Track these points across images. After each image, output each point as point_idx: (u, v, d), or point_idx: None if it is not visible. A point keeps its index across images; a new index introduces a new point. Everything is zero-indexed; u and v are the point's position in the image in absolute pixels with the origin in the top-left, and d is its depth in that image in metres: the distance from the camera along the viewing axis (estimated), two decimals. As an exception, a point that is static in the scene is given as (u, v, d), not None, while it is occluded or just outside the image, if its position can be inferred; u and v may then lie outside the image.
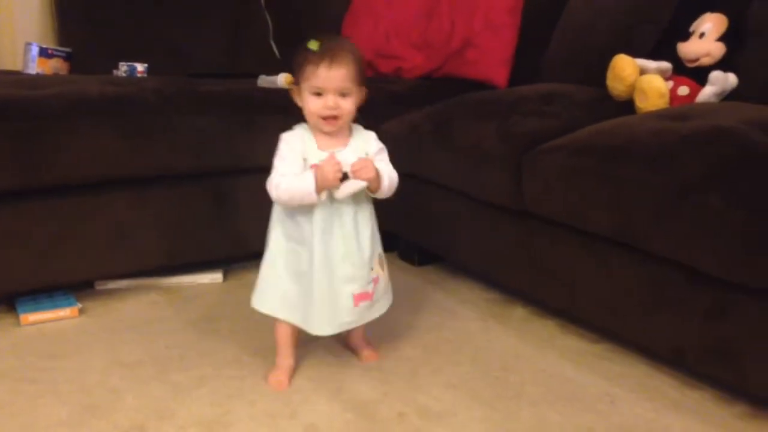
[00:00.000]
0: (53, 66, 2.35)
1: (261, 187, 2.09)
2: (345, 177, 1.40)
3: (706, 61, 1.90)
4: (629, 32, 2.12)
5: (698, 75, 1.90)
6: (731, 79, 1.85)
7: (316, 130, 1.46)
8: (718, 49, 1.89)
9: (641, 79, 1.88)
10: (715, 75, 1.84)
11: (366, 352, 1.64)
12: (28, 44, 2.33)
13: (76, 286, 1.98)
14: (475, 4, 2.62)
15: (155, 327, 1.82)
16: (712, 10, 1.92)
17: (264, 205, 2.09)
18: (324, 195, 1.41)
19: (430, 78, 2.68)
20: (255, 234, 2.11)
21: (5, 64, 2.43)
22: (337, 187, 1.40)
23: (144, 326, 1.82)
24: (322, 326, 1.49)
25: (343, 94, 1.41)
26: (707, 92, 1.85)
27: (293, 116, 2.07)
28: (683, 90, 1.90)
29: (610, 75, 1.96)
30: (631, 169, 1.47)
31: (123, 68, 2.27)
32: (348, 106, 1.42)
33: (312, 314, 1.47)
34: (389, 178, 1.47)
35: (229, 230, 2.09)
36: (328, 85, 1.39)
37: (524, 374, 1.60)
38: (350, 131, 1.50)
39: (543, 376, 1.60)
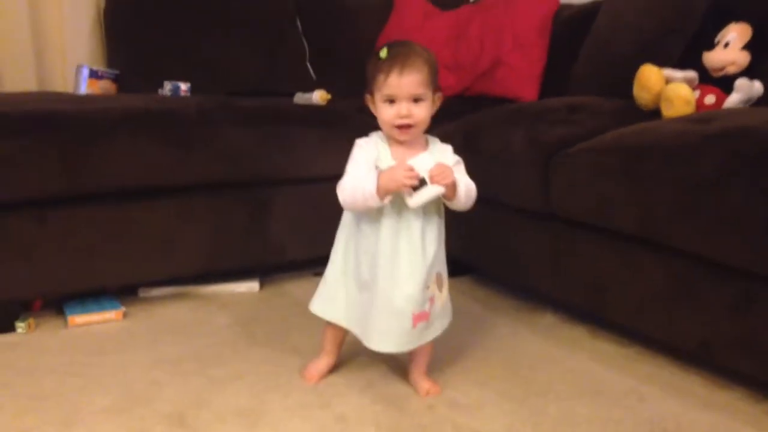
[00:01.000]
0: (102, 87, 2.48)
1: (298, 198, 2.19)
2: (422, 184, 1.33)
3: (731, 69, 1.93)
4: (654, 44, 2.16)
5: (724, 84, 1.93)
6: (757, 87, 1.88)
7: (392, 140, 1.42)
8: (743, 58, 1.93)
9: (667, 88, 1.91)
10: (741, 82, 1.87)
11: (428, 384, 1.53)
12: (79, 66, 2.46)
13: (121, 293, 2.07)
14: (503, 25, 2.70)
15: (194, 329, 1.89)
16: (737, 20, 1.96)
17: (301, 215, 2.19)
18: (389, 199, 1.35)
19: (462, 97, 2.75)
20: (291, 244, 2.21)
21: (57, 86, 2.57)
22: (411, 195, 1.33)
23: (184, 328, 1.89)
24: (381, 342, 1.43)
25: (416, 101, 1.36)
26: (733, 99, 1.88)
27: (330, 129, 2.18)
28: (710, 99, 1.93)
29: (636, 85, 2.00)
30: (654, 166, 1.51)
31: (168, 87, 2.38)
32: (422, 113, 1.37)
33: (372, 328, 1.43)
34: (467, 187, 1.41)
35: (266, 240, 2.16)
36: (400, 92, 1.35)
37: (552, 374, 1.62)
38: (426, 143, 1.45)
39: (571, 375, 1.62)
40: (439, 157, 1.42)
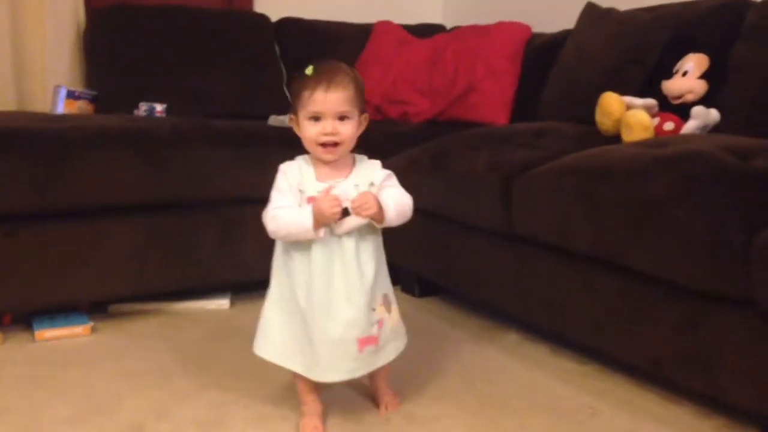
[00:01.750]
0: (79, 107, 2.52)
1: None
2: (346, 212, 1.32)
3: (689, 97, 2.00)
4: (616, 73, 2.22)
5: (683, 112, 1.99)
6: (713, 114, 1.95)
7: (317, 161, 1.39)
8: (700, 87, 1.99)
9: (627, 114, 1.97)
10: (697, 110, 1.93)
11: (387, 399, 1.52)
12: (57, 87, 2.51)
13: (91, 310, 2.09)
14: (476, 52, 2.77)
15: (161, 344, 1.91)
16: (695, 50, 2.03)
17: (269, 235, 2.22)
18: (322, 231, 1.33)
19: (435, 121, 2.80)
20: (261, 263, 2.21)
21: (36, 106, 2.59)
22: (336, 223, 1.33)
23: (151, 343, 1.91)
24: (325, 372, 1.38)
25: (341, 118, 1.34)
26: (690, 126, 1.94)
27: (302, 150, 2.22)
28: (668, 125, 1.99)
29: (598, 111, 2.06)
30: (608, 187, 1.56)
31: (143, 108, 2.42)
32: (348, 131, 1.34)
33: (314, 360, 1.38)
34: (397, 204, 1.38)
35: (237, 258, 2.19)
36: (326, 109, 1.32)
37: (510, 388, 1.65)
38: (353, 162, 1.42)
39: (528, 390, 1.65)
40: (367, 175, 1.40)
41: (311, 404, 1.46)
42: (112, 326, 2.04)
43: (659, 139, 1.82)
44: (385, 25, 3.15)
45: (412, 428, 1.45)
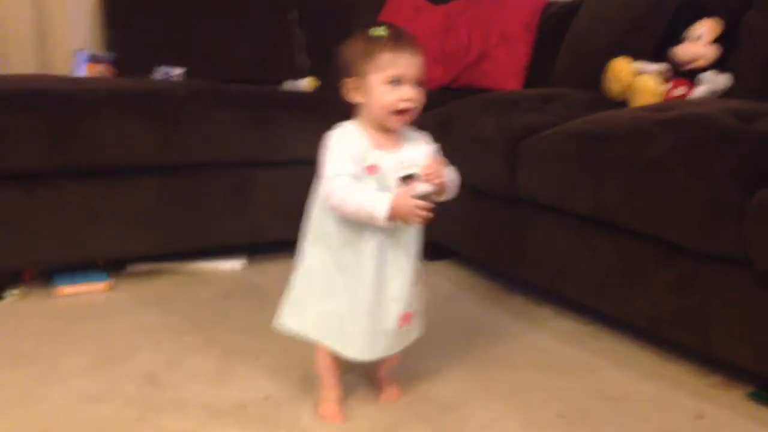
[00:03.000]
0: (100, 71, 2.57)
1: (279, 179, 2.27)
2: (411, 178, 1.25)
3: (700, 63, 2.00)
4: (627, 39, 2.22)
5: (695, 77, 1.99)
6: (720, 79, 1.95)
7: (371, 128, 1.29)
8: (711, 52, 1.99)
9: (635, 80, 1.99)
10: (706, 75, 1.94)
11: (390, 389, 1.45)
12: (78, 50, 2.56)
13: (110, 268, 2.15)
14: (491, 20, 2.77)
15: (176, 301, 1.97)
16: (709, 15, 2.02)
17: (282, 197, 2.27)
18: (392, 223, 1.24)
19: (448, 88, 2.82)
20: (273, 224, 2.29)
21: (57, 70, 2.65)
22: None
23: (166, 300, 1.98)
24: (362, 351, 1.32)
25: (418, 84, 1.26)
26: (699, 91, 1.94)
27: (311, 114, 2.26)
28: (679, 90, 2.00)
29: (607, 76, 2.07)
30: (608, 149, 1.58)
31: (160, 71, 2.47)
32: (421, 98, 1.27)
33: (351, 337, 1.31)
34: (451, 181, 1.32)
35: (250, 220, 2.24)
36: (409, 73, 1.23)
37: (511, 347, 1.70)
38: (405, 136, 1.33)
39: (529, 349, 1.69)
40: (419, 147, 1.32)
41: (332, 390, 1.39)
42: (129, 284, 2.10)
43: (665, 103, 1.83)
44: (402, -9, 3.15)
45: (412, 383, 1.49)
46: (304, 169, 2.26)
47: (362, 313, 1.29)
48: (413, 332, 1.40)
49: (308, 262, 1.35)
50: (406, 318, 1.34)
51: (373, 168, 1.26)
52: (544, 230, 1.83)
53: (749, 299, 1.37)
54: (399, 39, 1.24)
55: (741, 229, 1.31)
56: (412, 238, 1.33)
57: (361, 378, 1.50)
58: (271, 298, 1.94)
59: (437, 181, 1.24)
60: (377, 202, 1.21)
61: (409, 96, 1.24)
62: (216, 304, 1.95)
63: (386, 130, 1.29)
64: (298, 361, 1.58)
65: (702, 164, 1.40)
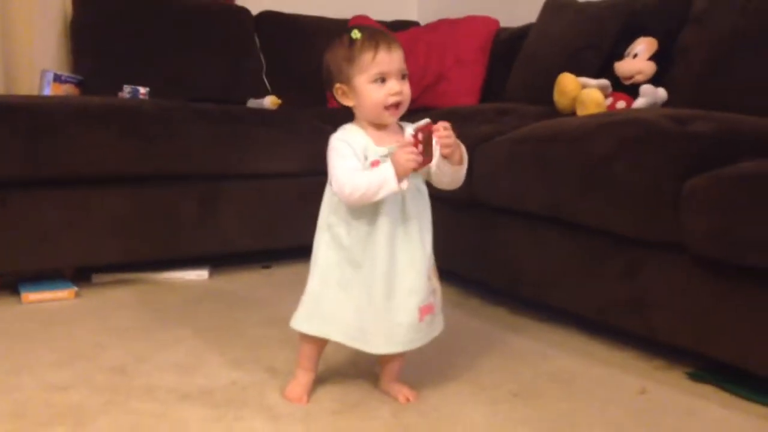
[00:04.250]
0: (65, 90, 2.63)
1: (247, 192, 2.35)
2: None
3: (639, 78, 2.15)
4: (574, 58, 2.37)
5: (634, 92, 2.14)
6: (660, 93, 2.10)
7: (367, 126, 1.34)
8: (649, 67, 2.14)
9: (581, 92, 2.12)
10: (645, 88, 2.09)
11: (405, 391, 1.44)
12: (44, 71, 2.62)
13: (75, 278, 2.19)
14: (447, 44, 2.93)
15: (143, 306, 2.01)
16: (645, 34, 2.18)
17: (249, 209, 2.34)
18: (405, 182, 1.27)
19: (408, 109, 2.93)
20: (240, 236, 2.36)
21: (23, 89, 2.70)
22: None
23: (133, 305, 2.02)
24: (380, 344, 1.35)
25: (403, 77, 1.32)
26: (639, 103, 2.09)
27: (278, 129, 2.35)
28: (621, 104, 2.15)
29: (555, 90, 2.21)
30: (556, 149, 1.70)
31: (127, 90, 2.53)
32: (408, 90, 1.32)
33: (369, 331, 1.35)
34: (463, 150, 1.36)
35: (216, 231, 2.30)
36: (392, 68, 1.29)
37: (468, 340, 1.77)
38: (399, 128, 1.38)
39: (484, 340, 1.77)
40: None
41: (307, 373, 1.43)
42: (95, 292, 2.14)
43: (609, 112, 1.97)
44: (361, 19, 3.28)
45: (374, 370, 1.56)
46: (270, 182, 2.38)
47: (379, 307, 1.33)
48: (437, 326, 1.42)
49: (323, 263, 1.37)
50: (426, 310, 1.37)
51: (377, 163, 1.31)
52: (499, 232, 1.93)
53: (687, 282, 1.48)
54: (374, 37, 1.30)
55: (676, 215, 1.43)
56: (424, 231, 1.38)
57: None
58: (239, 304, 2.04)
59: (447, 141, 1.29)
60: (383, 170, 1.26)
61: (396, 90, 1.30)
62: (184, 308, 2.00)
63: (383, 127, 1.34)
64: (263, 354, 1.63)
65: (640, 159, 1.52)
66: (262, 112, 2.45)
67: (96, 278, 2.26)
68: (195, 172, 2.25)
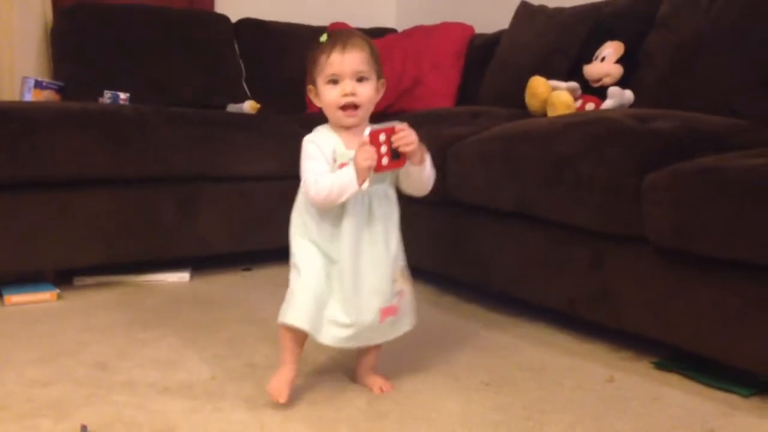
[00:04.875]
0: (46, 97, 2.66)
1: (225, 194, 2.39)
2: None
3: (607, 81, 2.22)
4: (544, 62, 2.44)
5: (602, 94, 2.21)
6: (628, 94, 2.16)
7: (339, 129, 1.37)
8: (616, 70, 2.21)
9: (552, 95, 2.19)
10: (613, 90, 2.16)
11: (380, 382, 1.48)
12: (25, 78, 2.65)
13: (57, 281, 2.21)
14: (423, 50, 2.99)
15: (125, 306, 2.05)
16: (612, 38, 2.25)
17: (228, 211, 2.38)
18: (366, 183, 1.31)
19: (384, 114, 2.99)
20: (218, 238, 2.40)
21: (4, 96, 2.73)
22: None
23: (115, 306, 2.05)
24: (338, 339, 1.39)
25: (360, 80, 1.33)
26: (607, 105, 2.16)
27: (256, 132, 2.39)
28: (590, 106, 2.21)
29: (527, 93, 2.27)
30: (525, 148, 1.76)
31: (107, 96, 2.57)
32: (366, 92, 1.34)
33: (326, 325, 1.38)
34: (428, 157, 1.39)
35: (195, 233, 2.34)
36: (344, 69, 1.31)
37: (442, 335, 1.82)
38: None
39: (457, 335, 1.82)
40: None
41: (286, 368, 1.41)
42: (77, 295, 2.16)
43: (577, 113, 2.03)
44: (340, 26, 3.33)
45: (351, 364, 1.60)
46: (249, 185, 2.42)
47: (341, 303, 1.37)
48: (399, 325, 1.45)
49: (295, 256, 1.41)
50: (387, 312, 1.40)
51: (344, 166, 1.33)
52: (472, 229, 1.99)
53: (650, 273, 1.54)
54: (334, 40, 1.34)
55: (637, 208, 1.49)
56: (390, 234, 1.41)
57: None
58: (219, 304, 2.07)
59: (407, 147, 1.30)
60: (344, 173, 1.30)
61: (347, 90, 1.32)
62: (165, 309, 2.04)
63: (352, 129, 1.36)
64: (243, 351, 1.68)
65: (603, 155, 1.59)
66: (240, 116, 2.50)
67: (78, 281, 2.28)
68: (173, 175, 2.28)
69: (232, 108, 2.61)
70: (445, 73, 2.91)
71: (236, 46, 3.19)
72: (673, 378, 1.55)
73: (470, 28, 3.06)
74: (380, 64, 1.38)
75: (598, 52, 2.27)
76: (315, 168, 1.35)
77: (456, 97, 2.89)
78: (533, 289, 1.82)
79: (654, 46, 2.21)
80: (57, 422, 1.30)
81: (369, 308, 1.38)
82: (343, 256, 1.37)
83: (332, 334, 1.38)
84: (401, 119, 2.42)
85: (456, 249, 2.05)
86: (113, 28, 2.89)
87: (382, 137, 1.29)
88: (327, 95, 1.35)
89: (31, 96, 2.62)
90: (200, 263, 2.45)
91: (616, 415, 1.37)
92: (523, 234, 1.82)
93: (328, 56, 1.32)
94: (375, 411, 1.38)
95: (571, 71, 2.34)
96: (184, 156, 2.27)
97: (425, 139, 2.12)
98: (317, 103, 1.39)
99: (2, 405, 1.37)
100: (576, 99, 2.22)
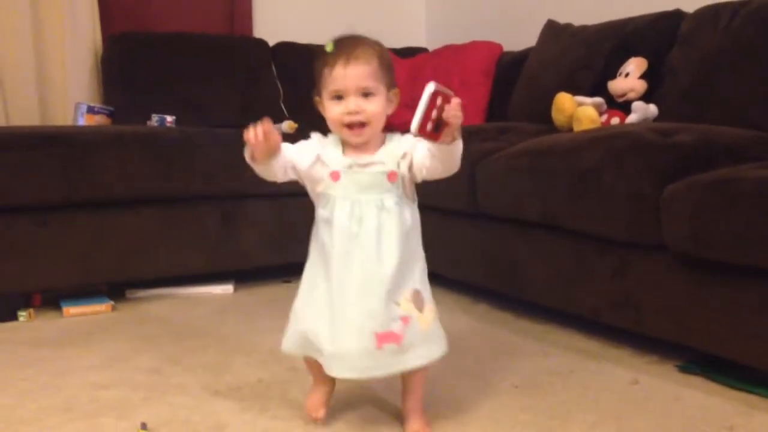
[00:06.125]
0: (98, 121, 2.82)
1: (265, 210, 2.51)
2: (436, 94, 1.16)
3: (631, 96, 2.29)
4: (571, 77, 2.52)
5: (627, 109, 2.28)
6: (651, 109, 2.24)
7: (346, 143, 1.30)
8: (640, 85, 2.29)
9: (577, 110, 2.27)
10: (637, 104, 2.23)
11: (416, 426, 1.34)
12: (78, 104, 2.81)
13: (110, 294, 2.36)
14: (453, 68, 3.09)
15: (174, 317, 2.18)
16: (636, 55, 2.33)
17: (268, 226, 2.50)
18: (261, 166, 1.30)
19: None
20: (260, 252, 2.52)
21: (58, 120, 2.90)
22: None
23: (165, 317, 2.19)
24: (340, 368, 1.28)
25: (366, 95, 1.24)
26: (631, 119, 2.23)
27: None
28: (615, 120, 2.29)
29: (553, 109, 2.36)
30: (551, 162, 1.85)
31: (155, 119, 2.72)
32: (373, 108, 1.24)
33: (332, 350, 1.27)
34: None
35: (238, 248, 2.47)
36: (348, 85, 1.22)
37: (476, 341, 1.91)
38: (383, 141, 1.31)
39: (491, 342, 1.91)
40: (395, 148, 1.30)
41: (320, 386, 1.39)
42: (129, 306, 2.31)
43: (601, 127, 2.11)
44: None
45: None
46: (287, 201, 2.54)
47: (337, 329, 1.26)
48: (407, 359, 1.27)
49: (302, 279, 1.36)
50: (385, 338, 1.24)
51: (335, 174, 1.28)
52: (501, 240, 2.08)
53: (671, 280, 1.61)
54: (338, 52, 1.23)
55: (657, 218, 1.57)
56: (385, 250, 1.26)
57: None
58: (261, 314, 2.19)
59: (457, 120, 1.20)
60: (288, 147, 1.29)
61: (351, 109, 1.23)
62: (211, 318, 2.16)
63: (355, 145, 1.29)
64: (286, 356, 1.77)
65: (625, 168, 1.67)
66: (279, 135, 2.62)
67: (130, 293, 2.43)
68: (216, 193, 2.42)
69: (271, 128, 2.74)
70: (474, 91, 3.00)
71: (274, 68, 3.32)
72: (696, 380, 1.61)
73: (499, 47, 3.16)
74: (392, 73, 1.30)
75: (622, 68, 2.34)
76: (297, 146, 1.31)
77: (485, 114, 2.98)
78: (560, 297, 1.90)
79: (677, 62, 2.28)
80: (119, 421, 1.43)
81: (358, 330, 1.24)
82: (330, 272, 1.28)
83: (330, 364, 1.29)
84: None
85: (487, 259, 2.14)
86: (158, 55, 3.05)
87: (438, 101, 1.17)
88: (331, 111, 1.26)
89: (84, 121, 2.78)
90: (243, 276, 2.58)
91: (637, 415, 1.44)
92: (550, 244, 1.91)
93: (332, 70, 1.23)
94: (410, 410, 1.47)
95: (596, 87, 2.42)
96: (227, 174, 2.40)
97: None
98: (324, 114, 1.30)
99: (69, 406, 1.50)
100: (601, 114, 2.30)
